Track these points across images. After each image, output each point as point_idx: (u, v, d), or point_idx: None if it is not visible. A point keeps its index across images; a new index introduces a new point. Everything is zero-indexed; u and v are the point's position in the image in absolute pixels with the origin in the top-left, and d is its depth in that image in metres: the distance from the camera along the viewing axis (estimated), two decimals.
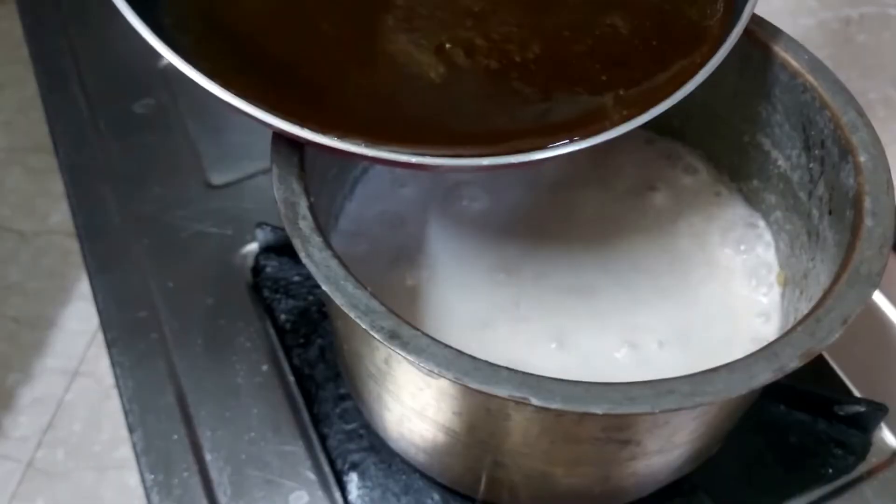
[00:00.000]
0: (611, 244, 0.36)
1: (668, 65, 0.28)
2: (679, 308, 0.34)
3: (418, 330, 0.24)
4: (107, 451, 0.61)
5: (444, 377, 0.23)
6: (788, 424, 0.38)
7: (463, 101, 0.27)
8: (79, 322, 0.69)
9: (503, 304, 0.34)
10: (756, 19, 0.33)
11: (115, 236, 0.46)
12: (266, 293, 0.43)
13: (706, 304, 0.35)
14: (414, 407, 0.28)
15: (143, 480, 0.37)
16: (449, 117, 0.27)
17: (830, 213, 0.30)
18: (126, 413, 0.39)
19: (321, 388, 0.39)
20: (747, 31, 0.32)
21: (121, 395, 0.40)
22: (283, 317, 0.42)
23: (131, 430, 0.39)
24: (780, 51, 0.32)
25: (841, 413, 0.37)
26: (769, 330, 0.34)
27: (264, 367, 0.40)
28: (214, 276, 0.44)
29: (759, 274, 0.35)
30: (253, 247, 0.45)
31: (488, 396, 0.23)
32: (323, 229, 0.26)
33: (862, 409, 0.37)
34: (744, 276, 0.35)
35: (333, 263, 0.25)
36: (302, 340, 0.41)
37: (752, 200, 0.37)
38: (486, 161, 0.25)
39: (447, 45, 0.28)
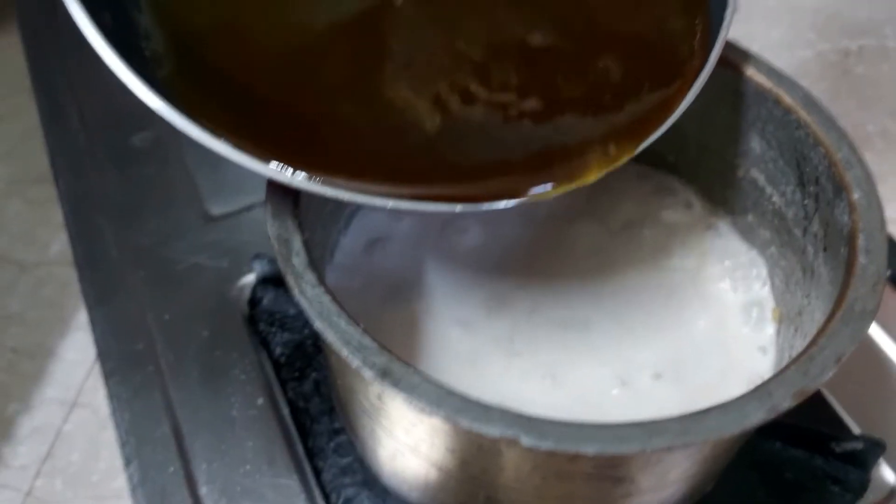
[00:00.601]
0: (605, 278, 0.36)
1: (654, 105, 0.28)
2: (674, 343, 0.34)
3: (410, 366, 0.24)
4: (104, 482, 0.61)
5: (436, 415, 0.23)
6: (784, 461, 0.37)
7: (453, 148, 0.27)
8: (77, 352, 0.69)
9: (497, 338, 0.34)
10: (748, 55, 0.33)
11: (113, 268, 0.46)
12: (262, 325, 0.43)
13: (701, 340, 0.35)
14: (407, 443, 0.28)
15: None
16: (438, 163, 0.27)
17: (825, 249, 0.30)
18: (122, 445, 0.39)
19: (316, 421, 0.39)
20: (739, 69, 0.33)
21: (117, 428, 0.39)
22: (278, 349, 0.42)
23: (127, 462, 0.38)
24: (773, 87, 0.32)
25: (838, 450, 0.37)
26: (765, 366, 0.34)
27: (259, 400, 0.40)
28: (211, 308, 0.44)
29: (755, 310, 0.35)
30: (250, 278, 0.45)
31: (480, 435, 0.23)
32: (317, 265, 0.26)
33: (859, 445, 0.36)
34: (739, 312, 0.35)
35: (326, 300, 0.25)
36: (297, 374, 0.41)
37: (748, 236, 0.37)
38: (459, 207, 0.26)
39: (444, 93, 0.28)
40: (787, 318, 0.33)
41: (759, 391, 0.24)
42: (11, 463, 0.60)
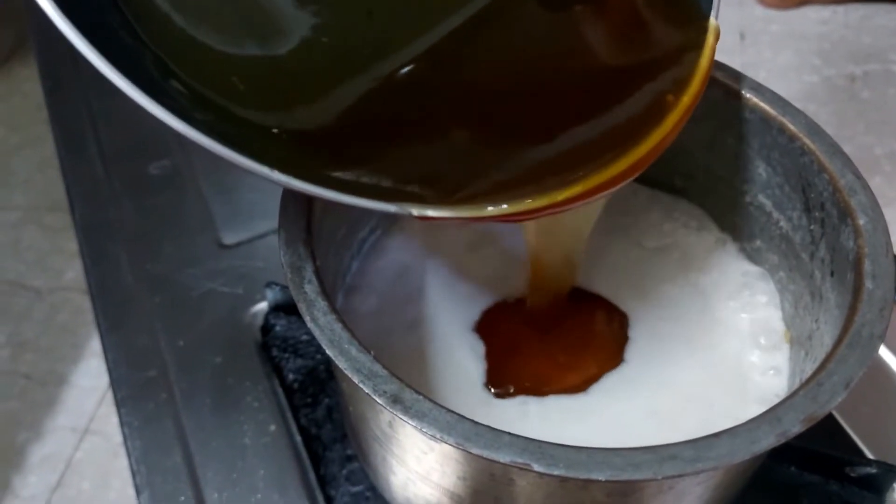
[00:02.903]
0: (639, 294, 0.36)
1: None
2: (704, 363, 0.34)
3: (421, 394, 0.24)
4: None
5: (446, 442, 0.23)
6: (800, 486, 0.37)
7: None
8: (90, 379, 0.69)
9: None
10: (753, 84, 0.34)
11: (127, 295, 0.46)
12: (275, 352, 0.43)
13: (728, 361, 0.34)
14: (418, 471, 0.28)
15: None
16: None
17: (832, 274, 0.30)
18: (133, 474, 0.39)
19: (328, 448, 0.39)
20: (744, 97, 0.33)
21: (129, 456, 0.40)
22: (290, 376, 0.42)
23: (138, 491, 0.39)
24: (777, 114, 0.32)
25: (853, 475, 0.37)
26: (781, 388, 0.34)
27: (272, 428, 0.40)
28: (224, 335, 0.44)
29: (768, 333, 0.35)
30: (263, 306, 0.45)
31: (491, 462, 0.23)
32: (329, 292, 0.26)
33: (874, 470, 0.36)
34: (756, 334, 0.35)
35: (338, 327, 0.25)
36: (310, 400, 0.41)
37: (757, 260, 0.37)
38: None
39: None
40: (797, 342, 0.33)
41: (769, 416, 0.24)
42: (21, 493, 0.60)
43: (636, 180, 0.40)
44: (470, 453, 0.23)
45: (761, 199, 0.35)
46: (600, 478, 0.22)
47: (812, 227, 0.32)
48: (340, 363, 0.24)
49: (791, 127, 0.32)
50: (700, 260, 0.38)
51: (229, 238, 0.49)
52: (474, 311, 0.37)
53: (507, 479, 0.26)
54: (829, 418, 0.40)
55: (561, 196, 0.27)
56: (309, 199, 0.30)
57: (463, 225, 0.39)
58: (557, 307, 0.36)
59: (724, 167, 0.36)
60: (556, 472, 0.22)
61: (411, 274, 0.38)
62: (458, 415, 0.23)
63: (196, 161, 0.53)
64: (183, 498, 0.38)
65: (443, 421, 0.23)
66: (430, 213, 0.26)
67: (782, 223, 0.34)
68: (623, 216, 0.40)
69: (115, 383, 0.42)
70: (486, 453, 0.23)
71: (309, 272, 0.27)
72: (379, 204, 0.25)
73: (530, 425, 0.32)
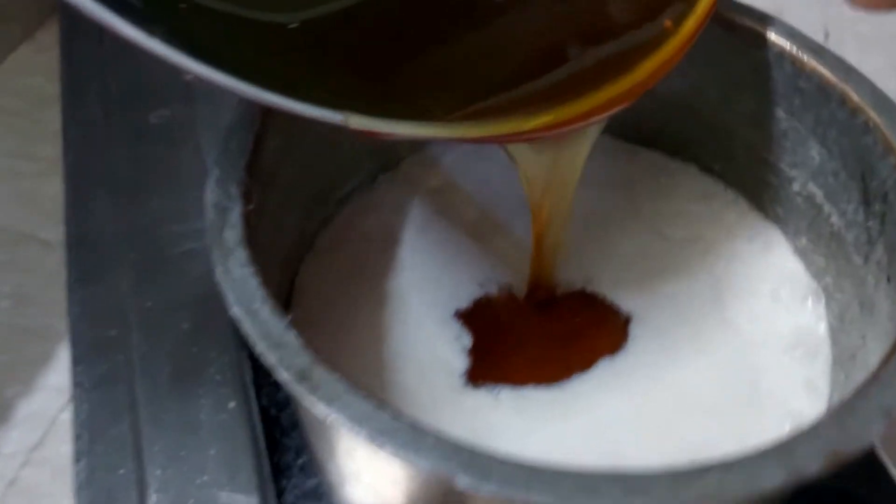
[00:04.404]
0: (651, 290, 0.31)
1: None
2: (720, 375, 0.28)
3: (336, 374, 0.19)
4: None
5: (356, 435, 0.18)
6: None
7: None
8: None
9: None
10: (813, 45, 0.28)
11: (104, 247, 0.43)
12: None
13: (750, 375, 0.29)
14: (351, 469, 0.24)
15: None
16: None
17: (888, 280, 0.24)
18: (75, 438, 0.36)
19: (286, 434, 0.35)
20: (798, 61, 0.28)
21: (74, 419, 0.36)
22: None
23: (77, 458, 0.35)
24: (839, 82, 0.27)
25: None
26: (815, 413, 0.28)
27: (231, 405, 0.36)
28: (197, 299, 0.40)
29: (805, 346, 0.29)
30: None
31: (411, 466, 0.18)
32: (251, 240, 0.22)
33: None
34: (790, 347, 0.29)
35: (253, 283, 0.21)
36: (273, 378, 0.37)
37: (800, 261, 0.31)
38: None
39: None
40: (837, 363, 0.27)
41: (780, 448, 0.18)
42: (2, 449, 0.57)
43: (667, 158, 0.35)
44: (382, 452, 0.18)
45: (812, 187, 0.29)
46: (540, 501, 0.17)
47: (869, 223, 0.26)
48: (245, 326, 0.20)
49: (854, 97, 0.26)
50: (730, 256, 0.32)
51: None
52: (460, 298, 0.32)
53: (442, 489, 0.21)
54: (870, 455, 0.34)
55: (529, 125, 0.23)
56: (256, 137, 0.25)
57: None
58: (555, 300, 0.31)
59: (771, 149, 0.31)
60: (485, 490, 0.17)
61: (396, 244, 0.33)
62: (378, 402, 0.18)
63: (198, 111, 0.50)
64: (123, 471, 0.34)
65: (356, 408, 0.18)
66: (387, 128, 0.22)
67: (834, 219, 0.28)
68: (649, 202, 0.34)
69: (74, 339, 0.39)
70: (402, 454, 0.18)
71: (235, 216, 0.23)
72: (307, 107, 0.21)
73: (503, 419, 0.27)
